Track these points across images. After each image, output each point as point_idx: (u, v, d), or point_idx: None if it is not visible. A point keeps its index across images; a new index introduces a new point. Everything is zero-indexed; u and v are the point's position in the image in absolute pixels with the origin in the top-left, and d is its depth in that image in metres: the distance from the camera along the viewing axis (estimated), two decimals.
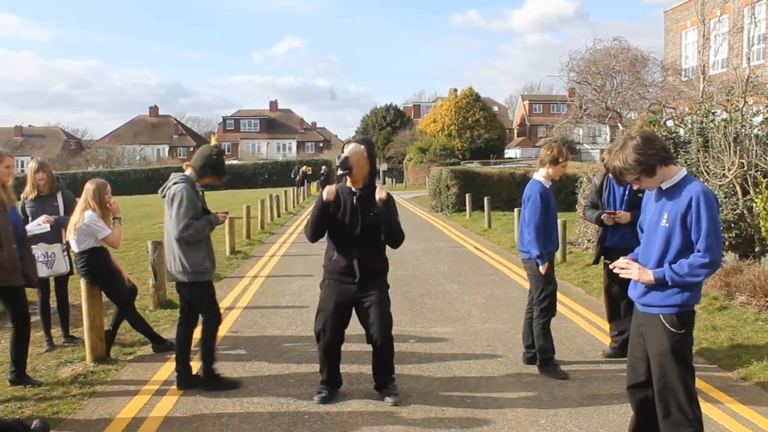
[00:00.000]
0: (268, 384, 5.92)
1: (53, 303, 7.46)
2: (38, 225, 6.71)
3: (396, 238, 5.36)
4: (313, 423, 5.04)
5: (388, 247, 5.49)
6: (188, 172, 5.85)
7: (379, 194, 5.22)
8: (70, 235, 6.64)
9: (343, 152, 5.31)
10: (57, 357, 6.83)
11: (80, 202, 6.67)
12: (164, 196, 5.78)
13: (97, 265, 6.62)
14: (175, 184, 5.73)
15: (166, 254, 5.80)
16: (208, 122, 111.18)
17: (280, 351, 6.94)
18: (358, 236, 5.30)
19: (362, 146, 5.31)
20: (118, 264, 7.08)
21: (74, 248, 6.66)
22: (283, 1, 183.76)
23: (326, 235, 5.46)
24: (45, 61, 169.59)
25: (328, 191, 5.26)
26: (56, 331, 7.47)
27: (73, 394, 5.73)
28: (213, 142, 6.25)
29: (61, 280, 7.44)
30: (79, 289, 6.78)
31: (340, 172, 5.26)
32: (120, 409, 5.38)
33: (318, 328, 5.44)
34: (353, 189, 5.33)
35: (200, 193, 5.96)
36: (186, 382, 5.81)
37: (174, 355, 5.94)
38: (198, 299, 5.89)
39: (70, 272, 7.43)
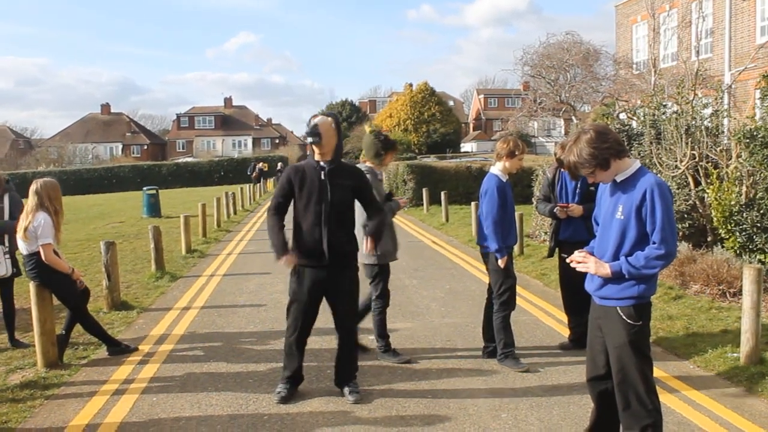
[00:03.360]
0: (226, 384, 5.83)
1: None
2: None
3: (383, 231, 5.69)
4: (273, 424, 4.97)
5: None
6: (368, 164, 6.25)
7: (368, 249, 5.62)
8: (19, 237, 6.43)
9: (310, 123, 5.22)
10: (6, 363, 6.63)
11: (29, 202, 6.44)
12: None
13: (47, 267, 6.40)
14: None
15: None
16: (162, 119, 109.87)
17: (238, 351, 6.84)
18: (328, 214, 5.17)
19: (330, 118, 5.25)
20: (68, 265, 6.89)
21: (22, 250, 6.45)
22: None
23: (293, 215, 5.32)
24: None
25: (289, 261, 5.22)
26: (2, 336, 7.28)
27: (24, 401, 5.56)
28: (368, 129, 6.46)
29: (6, 283, 7.23)
30: (29, 292, 6.58)
31: (309, 140, 5.17)
32: (74, 415, 5.23)
33: (291, 321, 5.35)
34: (321, 163, 5.23)
35: (382, 181, 6.37)
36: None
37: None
38: (373, 279, 6.29)
39: (17, 274, 7.23)
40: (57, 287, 6.52)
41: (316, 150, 5.20)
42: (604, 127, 3.86)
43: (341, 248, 5.25)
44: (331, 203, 5.17)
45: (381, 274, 6.34)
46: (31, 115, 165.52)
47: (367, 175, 5.77)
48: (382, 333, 6.41)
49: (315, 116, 5.29)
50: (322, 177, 5.18)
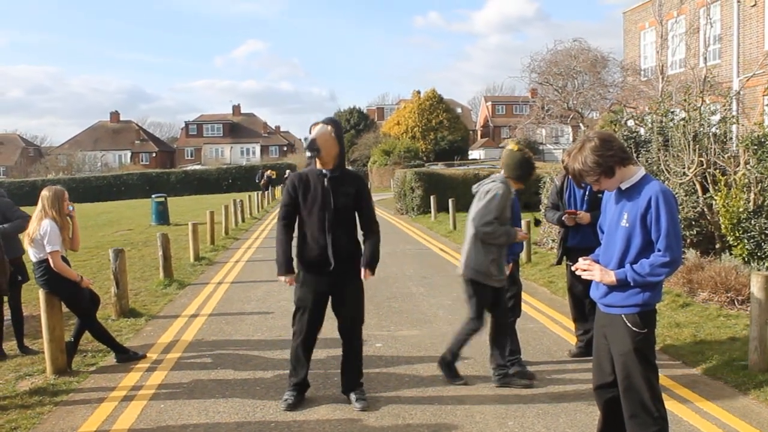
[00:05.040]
0: (234, 392, 5.85)
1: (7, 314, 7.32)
2: None
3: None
4: None
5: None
6: (504, 178, 5.78)
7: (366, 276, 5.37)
8: (27, 245, 6.48)
9: (310, 134, 5.23)
10: (15, 370, 6.67)
11: (37, 210, 6.49)
12: (476, 192, 5.81)
13: (56, 274, 6.44)
14: (493, 182, 5.71)
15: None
16: (171, 127, 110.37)
17: (245, 358, 6.86)
18: (332, 221, 5.20)
19: (329, 127, 5.24)
20: (76, 274, 6.93)
21: (32, 257, 6.49)
22: (241, 5, 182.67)
23: (297, 223, 5.35)
24: (1, 67, 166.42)
25: (289, 282, 5.32)
26: (12, 343, 7.33)
27: (33, 407, 5.59)
28: (515, 147, 5.90)
29: (14, 289, 7.27)
30: (38, 299, 6.63)
31: (308, 154, 5.20)
32: (82, 422, 5.26)
33: (300, 325, 5.37)
34: (323, 171, 5.25)
35: (513, 199, 5.89)
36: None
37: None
38: (469, 297, 5.85)
39: (24, 281, 7.28)
40: (66, 294, 6.55)
41: (318, 160, 5.24)
42: (609, 134, 3.87)
43: (346, 254, 5.28)
44: (335, 210, 5.20)
45: (477, 295, 5.85)
46: (41, 123, 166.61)
47: (503, 185, 5.63)
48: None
49: (315, 124, 5.30)
50: (325, 184, 5.21)
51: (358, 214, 5.43)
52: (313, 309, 5.32)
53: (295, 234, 5.39)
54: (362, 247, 5.48)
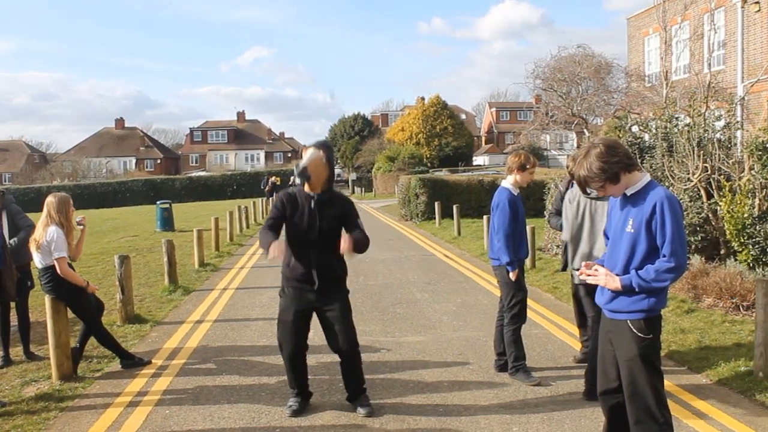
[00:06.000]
0: (239, 398, 5.86)
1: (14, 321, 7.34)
2: None
3: (363, 250, 5.33)
4: None
5: (359, 256, 5.46)
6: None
7: (343, 246, 5.10)
8: (34, 251, 6.51)
9: (302, 157, 5.29)
10: (21, 376, 6.69)
11: (42, 217, 6.52)
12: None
13: (62, 280, 6.47)
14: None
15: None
16: (175, 133, 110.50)
17: (250, 364, 6.87)
18: (317, 241, 5.25)
19: (321, 152, 5.27)
20: (82, 279, 6.95)
21: (37, 264, 6.52)
22: (246, 11, 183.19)
23: (285, 239, 5.37)
24: (8, 73, 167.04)
25: (277, 249, 5.02)
26: (18, 349, 7.35)
27: (39, 413, 5.61)
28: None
29: (22, 295, 7.30)
30: (44, 305, 6.65)
31: (298, 180, 5.28)
32: (87, 427, 5.27)
33: (279, 338, 5.43)
34: (311, 193, 5.30)
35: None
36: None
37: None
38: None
39: (32, 287, 7.31)
40: (72, 301, 6.58)
41: (307, 184, 5.29)
42: (614, 141, 3.88)
43: (330, 273, 5.32)
44: (320, 231, 5.25)
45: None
46: (46, 130, 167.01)
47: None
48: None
49: (306, 148, 5.38)
50: (312, 206, 5.27)
51: (348, 231, 5.40)
52: (293, 324, 5.34)
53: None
54: (346, 266, 5.49)
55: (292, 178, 47.27)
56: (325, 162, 5.28)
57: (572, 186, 5.99)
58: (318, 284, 5.26)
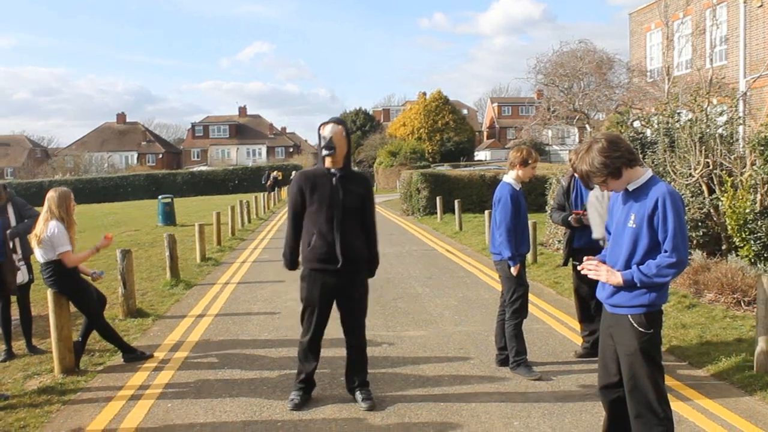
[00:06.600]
0: (240, 392, 5.87)
1: (15, 314, 7.36)
2: None
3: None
4: (286, 431, 5.01)
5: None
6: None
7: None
8: (35, 246, 6.52)
9: (322, 133, 5.25)
10: (24, 369, 6.71)
11: (43, 211, 6.54)
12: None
13: (64, 274, 6.50)
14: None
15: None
16: (177, 128, 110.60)
17: (252, 358, 6.89)
18: (340, 219, 5.20)
19: (340, 126, 5.30)
20: (88, 252, 6.97)
21: (39, 259, 6.54)
22: (247, 6, 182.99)
23: (304, 222, 5.32)
24: (8, 68, 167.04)
25: None
26: (20, 342, 7.37)
27: (42, 406, 5.63)
28: None
29: (23, 290, 7.32)
30: (46, 299, 6.67)
31: (324, 152, 5.21)
32: (90, 420, 5.30)
33: (307, 322, 5.38)
34: (332, 170, 5.27)
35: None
36: None
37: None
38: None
39: (32, 281, 7.34)
40: (74, 294, 6.60)
41: (329, 159, 5.26)
42: (616, 136, 3.88)
43: (354, 252, 5.27)
44: (344, 208, 5.21)
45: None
46: (47, 125, 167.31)
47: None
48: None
49: (325, 124, 5.31)
50: (334, 182, 5.23)
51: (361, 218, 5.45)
52: (320, 307, 5.33)
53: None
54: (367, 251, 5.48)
55: (293, 172, 47.46)
56: (345, 136, 5.29)
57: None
58: (341, 263, 5.20)
